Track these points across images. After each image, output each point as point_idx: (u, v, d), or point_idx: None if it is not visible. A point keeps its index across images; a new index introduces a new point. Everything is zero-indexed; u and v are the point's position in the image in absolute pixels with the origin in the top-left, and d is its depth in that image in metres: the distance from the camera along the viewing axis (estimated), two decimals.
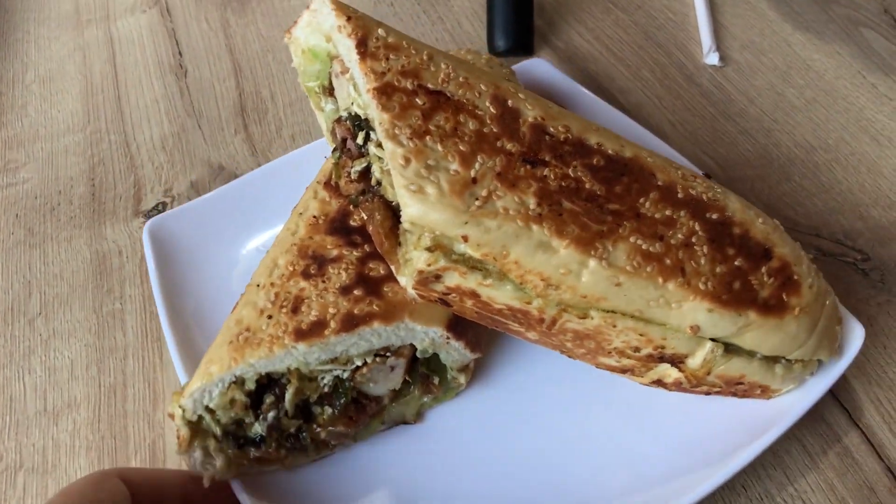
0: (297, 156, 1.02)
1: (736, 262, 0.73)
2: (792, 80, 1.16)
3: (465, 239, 0.68)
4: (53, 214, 1.07)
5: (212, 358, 0.75)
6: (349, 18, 0.72)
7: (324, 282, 0.77)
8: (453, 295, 0.72)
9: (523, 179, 0.70)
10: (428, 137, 0.69)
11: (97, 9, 1.40)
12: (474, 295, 0.71)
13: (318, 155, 0.95)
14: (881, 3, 1.26)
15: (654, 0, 1.31)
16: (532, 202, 0.69)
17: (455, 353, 0.80)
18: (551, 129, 0.73)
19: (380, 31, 0.73)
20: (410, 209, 0.68)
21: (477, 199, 0.68)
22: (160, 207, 1.06)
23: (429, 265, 0.69)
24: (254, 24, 1.34)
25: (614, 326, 0.72)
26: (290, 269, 0.79)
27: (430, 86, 0.72)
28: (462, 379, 0.83)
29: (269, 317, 0.75)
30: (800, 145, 1.07)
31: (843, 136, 1.08)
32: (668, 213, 0.72)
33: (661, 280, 0.70)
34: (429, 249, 0.69)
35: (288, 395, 0.75)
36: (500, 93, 0.73)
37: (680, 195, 0.74)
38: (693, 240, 0.72)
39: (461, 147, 0.70)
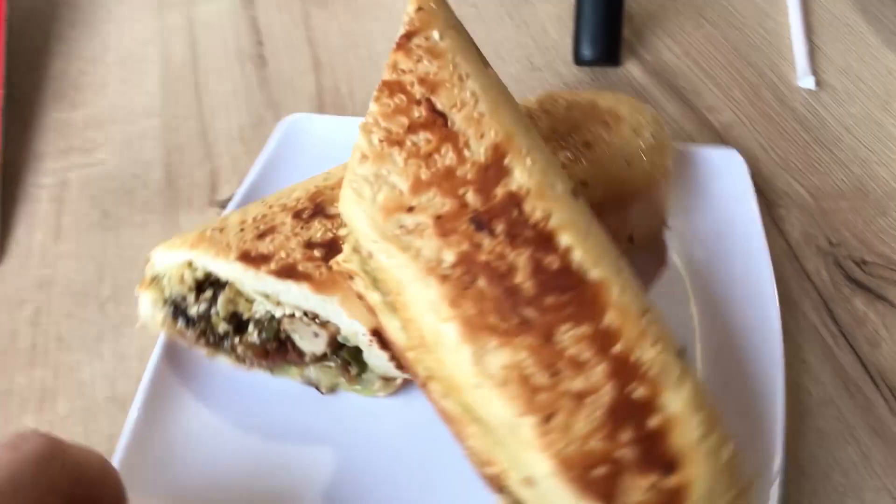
0: None
1: (620, 452, 0.58)
2: (892, 110, 1.11)
3: (369, 256, 0.65)
4: (129, 198, 1.07)
5: (187, 233, 0.80)
6: (419, 9, 0.68)
7: (302, 229, 0.78)
8: (363, 301, 0.69)
9: (458, 235, 0.62)
10: (397, 148, 0.64)
11: None
12: (373, 312, 0.68)
13: None
14: None
15: (748, 18, 1.27)
16: (449, 260, 0.62)
17: (376, 360, 0.78)
18: (527, 208, 0.63)
19: (435, 32, 0.67)
20: (341, 204, 0.66)
21: (401, 226, 0.63)
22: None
23: (344, 261, 0.68)
24: (335, 19, 1.32)
25: (467, 426, 0.63)
26: (293, 203, 0.81)
27: (438, 104, 0.66)
28: (378, 386, 0.82)
29: (242, 230, 0.78)
30: None
31: None
32: (585, 356, 0.60)
33: (520, 410, 0.59)
34: (353, 249, 0.67)
35: (220, 298, 0.79)
36: (505, 146, 0.64)
37: (616, 349, 0.60)
38: (589, 399, 0.59)
39: (421, 174, 0.64)
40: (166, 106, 1.19)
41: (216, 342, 0.81)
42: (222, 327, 0.80)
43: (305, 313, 0.77)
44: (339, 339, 0.78)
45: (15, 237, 1.03)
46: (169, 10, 1.37)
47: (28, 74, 1.25)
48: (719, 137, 1.08)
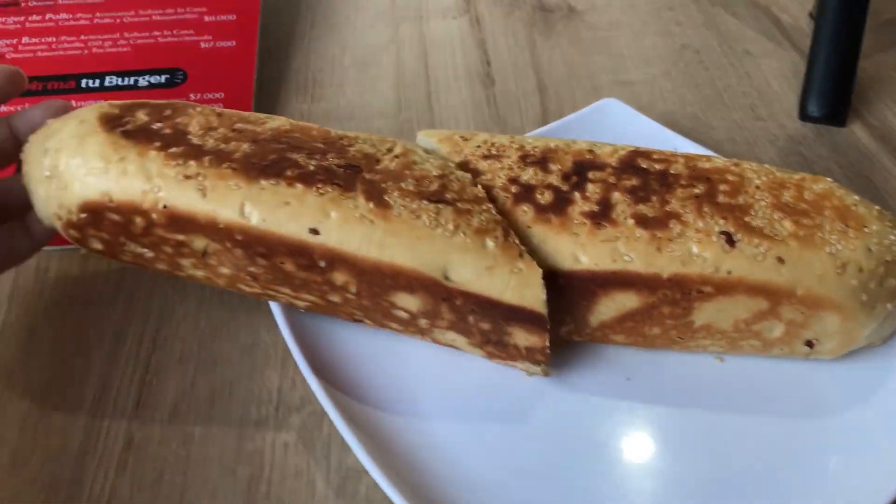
0: None
1: None
2: None
3: None
4: None
5: (446, 130, 0.92)
6: None
7: (519, 168, 0.84)
8: None
9: None
10: None
11: (411, 8, 1.49)
12: None
13: None
14: None
15: None
16: None
17: None
18: None
19: None
20: None
21: None
22: None
23: None
24: (559, 48, 1.38)
25: None
26: (529, 148, 0.87)
27: None
28: None
29: (478, 146, 0.88)
30: None
31: None
32: None
33: None
34: None
35: None
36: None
37: None
38: None
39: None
40: (399, 110, 1.27)
41: None
42: None
43: None
44: None
45: None
46: (403, 23, 1.46)
47: (274, 66, 1.36)
48: None
